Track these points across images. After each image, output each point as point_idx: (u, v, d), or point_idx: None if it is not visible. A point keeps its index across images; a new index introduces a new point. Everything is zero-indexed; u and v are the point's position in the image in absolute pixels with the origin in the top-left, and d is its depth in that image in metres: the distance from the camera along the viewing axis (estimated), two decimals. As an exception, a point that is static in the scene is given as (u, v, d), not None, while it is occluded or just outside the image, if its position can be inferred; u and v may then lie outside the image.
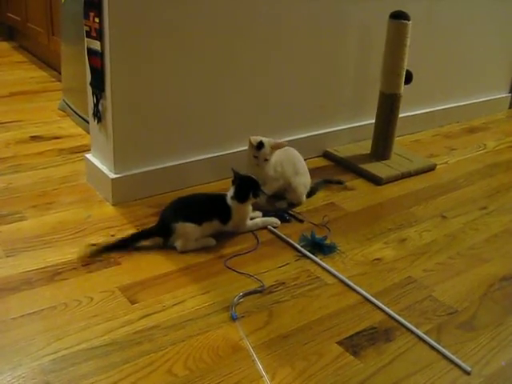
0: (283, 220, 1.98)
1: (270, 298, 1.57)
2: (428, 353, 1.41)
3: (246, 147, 2.02)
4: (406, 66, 2.39)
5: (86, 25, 1.93)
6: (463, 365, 1.37)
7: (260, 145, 1.97)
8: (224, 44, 2.11)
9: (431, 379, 1.33)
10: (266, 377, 1.29)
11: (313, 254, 1.79)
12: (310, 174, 2.16)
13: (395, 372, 1.34)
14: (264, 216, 1.96)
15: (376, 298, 1.59)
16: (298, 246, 1.82)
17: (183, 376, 1.28)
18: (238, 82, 2.21)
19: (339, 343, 1.42)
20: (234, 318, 1.47)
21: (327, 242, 1.85)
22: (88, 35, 1.93)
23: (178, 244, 1.75)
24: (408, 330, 1.49)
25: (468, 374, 1.35)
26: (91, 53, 1.94)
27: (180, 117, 2.09)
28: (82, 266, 1.65)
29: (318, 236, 1.85)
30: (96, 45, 1.88)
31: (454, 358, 1.39)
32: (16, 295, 1.51)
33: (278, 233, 1.90)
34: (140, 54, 1.91)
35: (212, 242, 1.80)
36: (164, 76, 1.99)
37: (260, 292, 1.59)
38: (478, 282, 1.72)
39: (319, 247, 1.82)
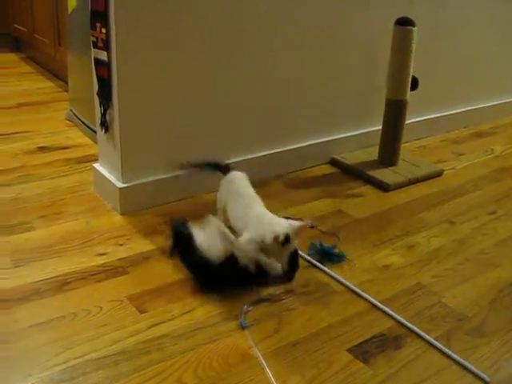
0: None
1: (278, 306, 1.57)
2: (438, 359, 1.40)
3: (256, 155, 2.00)
4: (411, 72, 2.39)
5: (92, 35, 1.94)
6: (482, 374, 1.36)
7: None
8: (231, 52, 2.11)
9: (442, 386, 1.33)
10: (275, 385, 1.29)
11: (321, 263, 1.78)
12: (318, 183, 2.15)
13: (405, 378, 1.34)
14: None
15: (385, 305, 1.59)
16: (306, 256, 1.81)
17: (193, 385, 1.29)
18: (246, 90, 2.21)
19: (349, 351, 1.42)
20: (243, 327, 1.47)
21: (336, 250, 1.84)
22: (95, 46, 1.94)
23: None
24: (418, 336, 1.48)
25: (486, 383, 1.34)
26: (98, 63, 1.95)
27: (188, 125, 2.09)
28: (91, 275, 1.66)
29: (327, 245, 1.85)
30: (103, 55, 1.89)
31: (473, 368, 1.38)
32: (25, 305, 1.52)
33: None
34: (147, 64, 1.92)
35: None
36: (171, 85, 2.00)
37: (269, 300, 1.59)
38: (488, 288, 1.72)
39: (328, 256, 1.81)
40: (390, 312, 1.56)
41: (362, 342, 1.45)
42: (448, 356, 1.41)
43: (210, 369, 1.33)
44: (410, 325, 1.51)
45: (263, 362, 1.36)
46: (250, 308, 1.55)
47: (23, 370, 1.29)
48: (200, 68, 2.05)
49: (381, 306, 1.59)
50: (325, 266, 1.77)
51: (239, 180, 1.85)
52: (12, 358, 1.33)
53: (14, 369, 1.30)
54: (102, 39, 1.88)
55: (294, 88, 2.37)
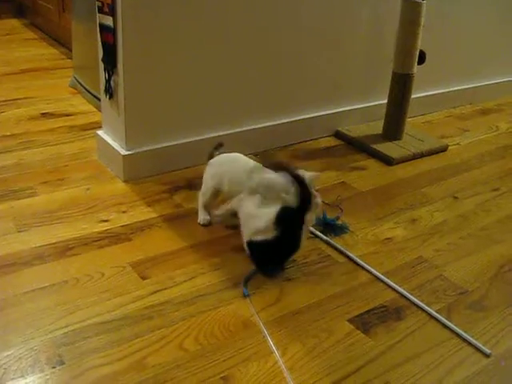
0: None
1: (280, 276, 1.57)
2: (439, 332, 1.41)
3: (260, 125, 1.99)
4: (419, 46, 2.36)
5: (98, 0, 1.92)
6: (482, 347, 1.37)
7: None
8: (238, 21, 2.09)
9: (441, 357, 1.33)
10: (276, 353, 1.30)
11: (324, 234, 1.78)
12: (322, 155, 2.14)
13: (406, 350, 1.35)
14: None
15: (387, 277, 1.59)
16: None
17: (194, 351, 1.29)
18: (252, 60, 2.19)
19: (350, 321, 1.42)
20: (245, 295, 1.47)
21: (338, 222, 1.84)
22: (100, 11, 1.92)
23: None
24: (419, 308, 1.49)
25: (487, 356, 1.35)
26: (103, 28, 1.93)
27: (194, 93, 2.08)
28: (93, 241, 1.66)
29: (330, 216, 1.84)
30: (108, 20, 1.87)
31: (474, 341, 1.39)
32: (28, 270, 1.52)
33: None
34: (153, 29, 1.90)
35: None
36: (177, 51, 1.98)
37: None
38: (489, 263, 1.72)
39: (330, 227, 1.81)
40: (392, 284, 1.57)
41: (363, 313, 1.46)
42: (448, 328, 1.42)
43: (211, 336, 1.34)
44: (411, 296, 1.52)
45: (264, 330, 1.36)
46: (253, 276, 1.55)
47: (25, 333, 1.30)
48: (206, 35, 2.03)
49: (383, 277, 1.59)
50: (327, 237, 1.77)
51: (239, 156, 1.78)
52: (15, 322, 1.34)
53: (17, 331, 1.31)
54: (107, 4, 1.86)
55: (301, 60, 2.35)
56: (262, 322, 1.39)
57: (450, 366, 1.31)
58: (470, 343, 1.38)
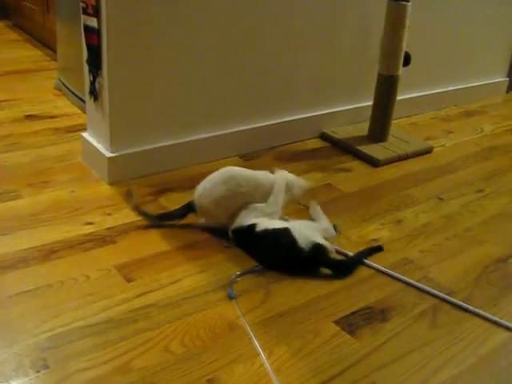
0: None
1: (266, 277, 1.57)
2: (424, 332, 1.42)
3: (246, 127, 1.98)
4: (404, 47, 2.37)
5: (82, 1, 1.90)
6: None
7: None
8: (223, 24, 2.09)
9: (427, 358, 1.33)
10: (262, 355, 1.29)
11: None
12: (308, 156, 2.14)
13: (391, 350, 1.35)
14: None
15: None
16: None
17: (180, 353, 1.29)
18: (237, 62, 2.19)
19: (335, 322, 1.42)
20: (231, 297, 1.47)
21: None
22: (84, 12, 1.91)
23: None
24: (431, 295, 1.53)
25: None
26: (88, 30, 1.92)
27: (179, 94, 2.08)
28: (78, 244, 1.65)
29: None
30: (93, 22, 1.86)
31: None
32: (12, 273, 1.51)
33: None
34: (138, 31, 1.89)
35: None
36: (163, 53, 1.98)
37: (257, 271, 1.59)
38: (474, 264, 1.73)
39: None
40: (396, 274, 1.60)
41: (348, 315, 1.46)
42: (435, 328, 1.43)
43: (197, 338, 1.34)
44: (419, 284, 1.52)
45: (250, 332, 1.36)
46: (238, 278, 1.55)
47: (10, 337, 1.29)
48: (192, 37, 2.03)
49: (387, 270, 1.62)
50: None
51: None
52: (-2, 325, 1.33)
53: (1, 335, 1.29)
54: (91, 5, 1.85)
55: (286, 61, 2.35)
56: (248, 324, 1.38)
57: (436, 367, 1.31)
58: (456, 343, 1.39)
